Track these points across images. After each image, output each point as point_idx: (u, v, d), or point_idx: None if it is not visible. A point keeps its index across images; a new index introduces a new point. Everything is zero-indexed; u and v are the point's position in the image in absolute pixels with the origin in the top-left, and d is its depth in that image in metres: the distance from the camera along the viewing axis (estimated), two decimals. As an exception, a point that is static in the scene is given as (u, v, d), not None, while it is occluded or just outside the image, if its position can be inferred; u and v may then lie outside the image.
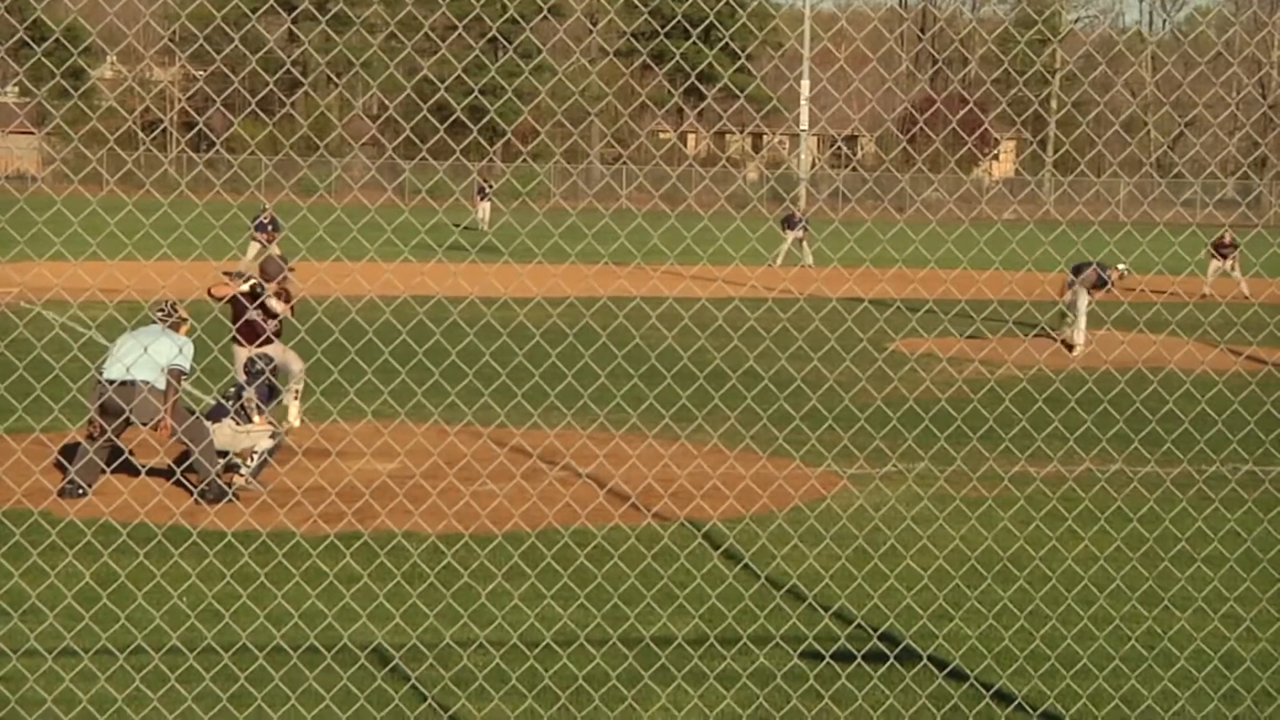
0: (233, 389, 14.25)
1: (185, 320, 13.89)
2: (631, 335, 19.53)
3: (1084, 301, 25.74)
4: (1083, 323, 25.79)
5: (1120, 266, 25.73)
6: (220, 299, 15.82)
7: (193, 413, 13.82)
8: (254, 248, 34.74)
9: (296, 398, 16.52)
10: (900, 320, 26.91)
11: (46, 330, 21.15)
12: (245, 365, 14.45)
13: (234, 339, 16.30)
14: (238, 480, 13.69)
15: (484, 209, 52.53)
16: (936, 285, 31.32)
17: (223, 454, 13.72)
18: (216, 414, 13.90)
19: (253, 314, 15.85)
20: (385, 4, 73.44)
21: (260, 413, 14.09)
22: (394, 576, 10.72)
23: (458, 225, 48.24)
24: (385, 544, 11.59)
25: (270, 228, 34.75)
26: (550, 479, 14.29)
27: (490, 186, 53.43)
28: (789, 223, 43.97)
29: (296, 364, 16.25)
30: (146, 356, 13.13)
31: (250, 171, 60.27)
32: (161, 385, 13.30)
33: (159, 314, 13.81)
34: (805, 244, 43.43)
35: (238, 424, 13.86)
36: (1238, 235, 39.28)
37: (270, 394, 14.40)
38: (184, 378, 13.59)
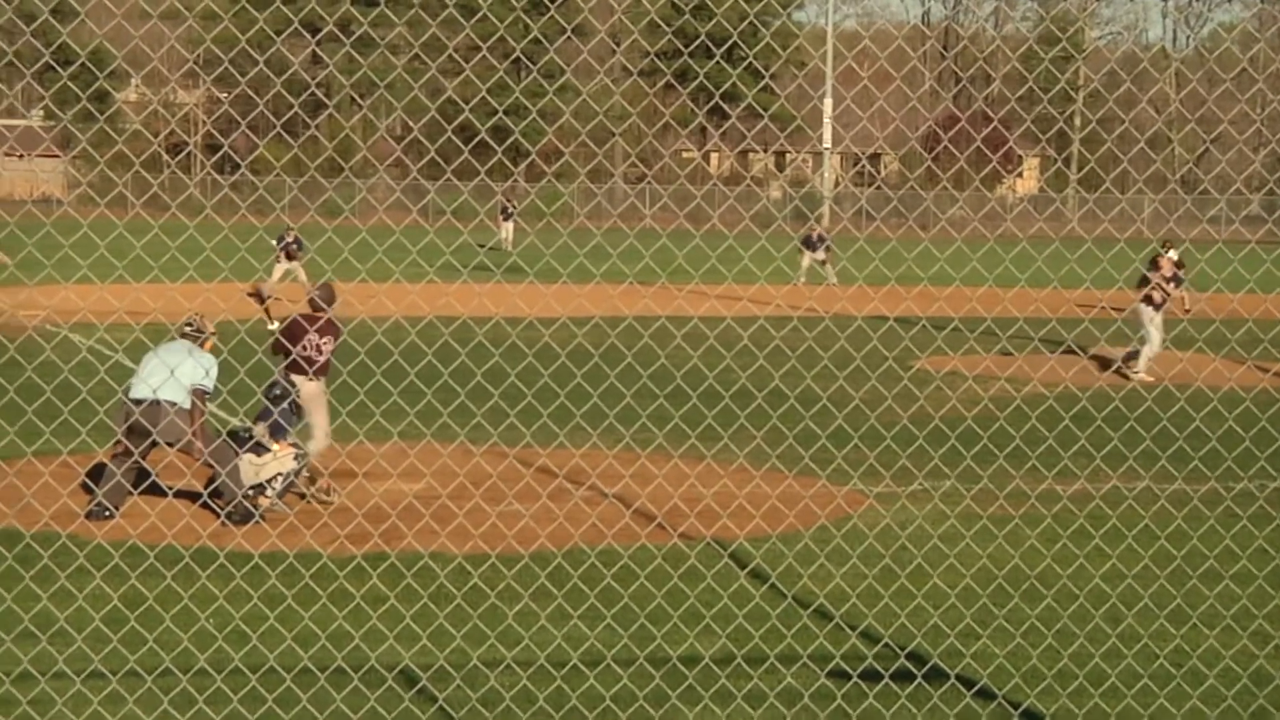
0: (252, 422, 14.24)
1: (212, 335, 13.93)
2: (657, 355, 19.53)
3: (1147, 316, 24.76)
4: (1151, 346, 24.69)
5: (1170, 254, 24.79)
6: (254, 296, 15.47)
7: (219, 434, 13.86)
8: (279, 269, 34.88)
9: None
10: (926, 338, 26.89)
11: (73, 353, 21.23)
12: (264, 390, 14.40)
13: (289, 367, 15.53)
14: (264, 502, 13.71)
15: (507, 229, 52.57)
16: (962, 303, 31.27)
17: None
18: (236, 445, 13.89)
19: (299, 348, 15.17)
20: (409, 25, 73.72)
21: (280, 439, 14.07)
22: (420, 597, 10.74)
23: (482, 246, 48.33)
24: (412, 565, 11.60)
25: (294, 248, 34.90)
26: (576, 499, 14.31)
27: (514, 207, 53.42)
28: (808, 243, 43.98)
29: (321, 443, 15.15)
30: (172, 377, 13.16)
31: (275, 193, 60.47)
32: (188, 405, 13.33)
33: (187, 328, 13.83)
34: (829, 264, 43.44)
35: (257, 456, 13.86)
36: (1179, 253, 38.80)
37: (294, 415, 14.37)
38: (208, 398, 13.63)
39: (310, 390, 14.85)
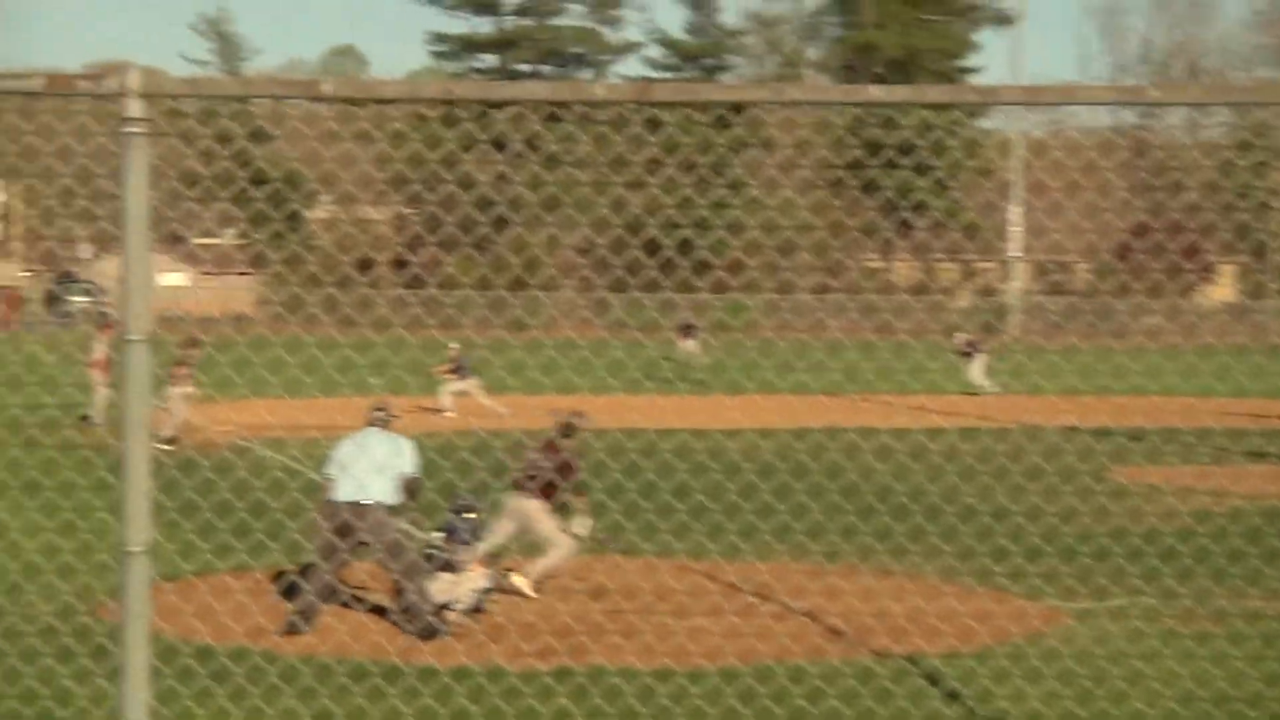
0: (440, 532, 14.33)
1: (398, 417, 14.14)
2: (844, 468, 19.42)
3: None
4: None
5: None
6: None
7: (407, 547, 13.92)
8: (453, 386, 35.14)
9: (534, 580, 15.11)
10: (1121, 450, 26.43)
11: (265, 470, 21.63)
12: (450, 501, 14.51)
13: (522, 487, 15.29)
14: (451, 617, 13.75)
15: (691, 346, 52.39)
16: (1159, 414, 30.72)
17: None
18: (429, 561, 13.96)
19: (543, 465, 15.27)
20: (595, 141, 74.79)
21: (468, 548, 14.15)
22: (608, 715, 10.71)
23: (667, 359, 48.62)
24: (599, 681, 11.59)
25: (464, 368, 35.21)
26: (764, 615, 14.20)
27: (697, 326, 53.15)
28: (964, 354, 43.77)
29: (562, 549, 15.09)
30: (377, 473, 13.26)
31: (462, 309, 61.40)
32: (393, 500, 13.43)
33: (378, 414, 13.98)
34: (984, 370, 43.09)
35: (451, 573, 13.95)
36: None
37: (480, 529, 14.45)
38: (419, 484, 13.78)
39: (518, 506, 14.97)
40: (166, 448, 25.49)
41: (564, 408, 16.21)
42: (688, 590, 14.96)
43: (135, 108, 5.08)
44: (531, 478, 15.04)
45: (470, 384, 34.90)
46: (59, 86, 5.13)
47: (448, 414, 33.55)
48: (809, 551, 16.34)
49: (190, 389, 27.58)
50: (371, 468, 13.30)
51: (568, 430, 15.46)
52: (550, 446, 15.33)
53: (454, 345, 35.39)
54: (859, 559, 16.02)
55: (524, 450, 15.40)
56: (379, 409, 14.02)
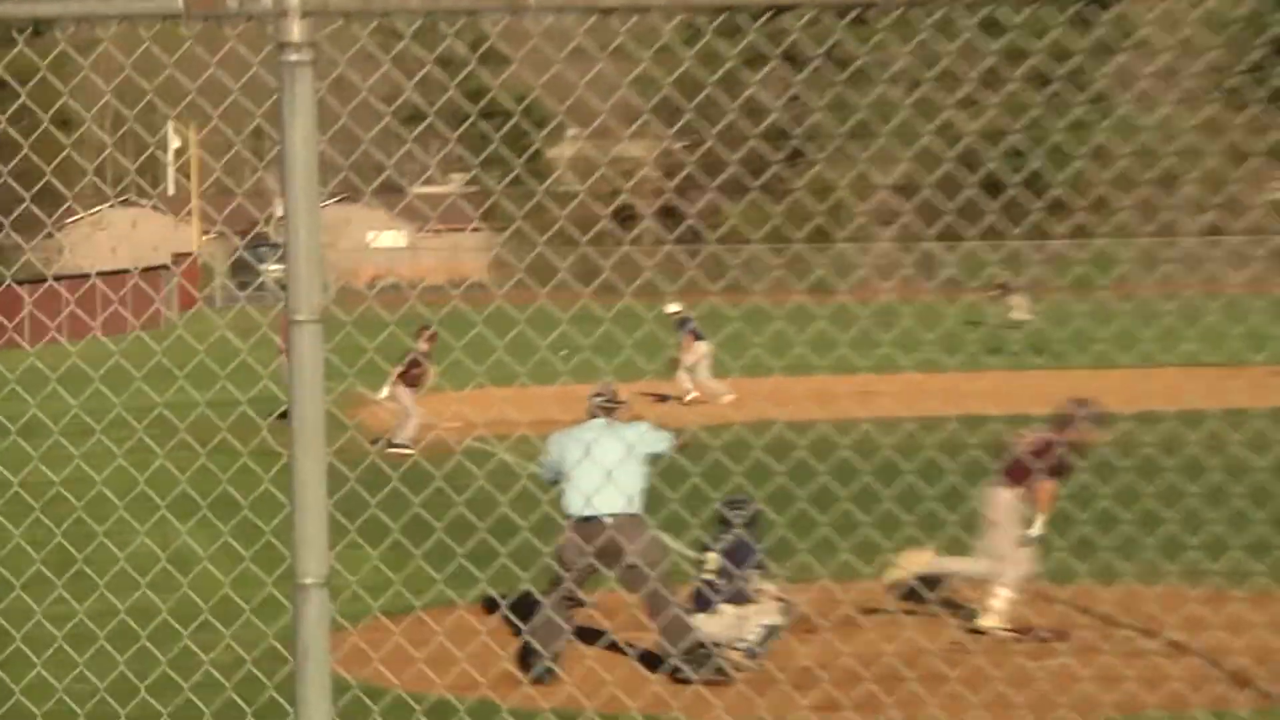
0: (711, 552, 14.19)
1: (624, 403, 14.08)
2: (1253, 464, 19.03)
3: None
4: None
5: None
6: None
7: (647, 573, 13.62)
8: (699, 358, 35.02)
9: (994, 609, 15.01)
10: None
11: (509, 478, 21.83)
12: (725, 503, 14.28)
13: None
14: (735, 657, 13.62)
15: (1014, 301, 51.55)
16: None
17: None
18: (702, 603, 13.81)
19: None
20: (916, 50, 74.50)
21: (760, 574, 14.05)
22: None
23: (984, 323, 48.19)
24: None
25: (695, 328, 35.02)
26: (1150, 654, 13.98)
27: (1011, 281, 52.27)
28: None
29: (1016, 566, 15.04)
30: (608, 479, 12.87)
31: (750, 270, 61.60)
32: (635, 509, 13.30)
33: (598, 400, 13.86)
34: None
35: (737, 605, 13.85)
36: None
37: (744, 553, 14.11)
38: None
39: (991, 499, 15.02)
40: (406, 451, 26.00)
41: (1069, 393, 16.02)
42: (1043, 622, 14.80)
43: (296, 30, 5.04)
44: (1011, 470, 14.89)
45: (705, 348, 34.71)
46: (203, 6, 5.11)
47: (726, 399, 33.64)
48: (1207, 572, 16.04)
49: (418, 387, 28.06)
50: (600, 473, 12.87)
51: (1064, 421, 15.20)
52: (1046, 440, 15.12)
53: (673, 307, 35.24)
54: (1274, 581, 15.70)
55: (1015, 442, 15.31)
56: (600, 394, 13.89)
